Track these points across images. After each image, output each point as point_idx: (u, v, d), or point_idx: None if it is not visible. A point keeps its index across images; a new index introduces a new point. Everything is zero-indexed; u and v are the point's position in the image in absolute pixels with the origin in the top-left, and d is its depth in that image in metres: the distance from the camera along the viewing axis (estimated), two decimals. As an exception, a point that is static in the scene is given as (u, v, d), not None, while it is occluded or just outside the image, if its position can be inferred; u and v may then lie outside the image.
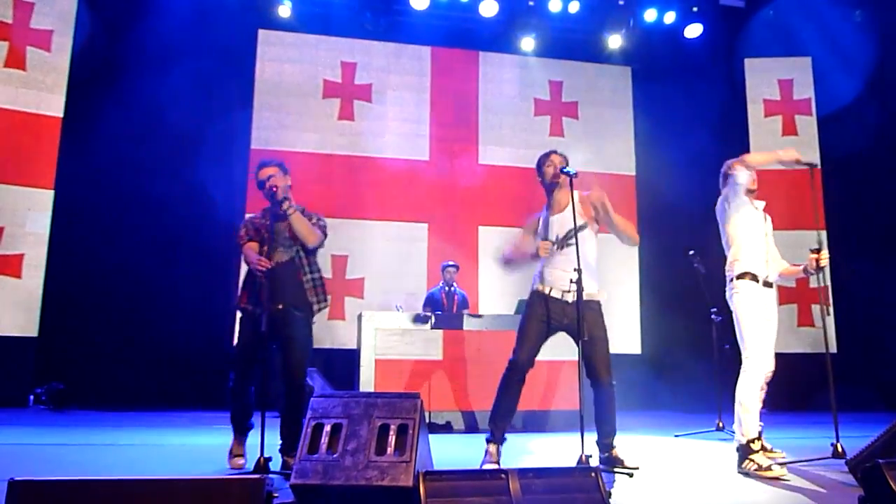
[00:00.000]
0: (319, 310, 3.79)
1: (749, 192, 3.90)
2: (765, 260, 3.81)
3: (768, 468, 3.46)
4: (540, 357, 3.65)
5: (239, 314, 3.73)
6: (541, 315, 3.62)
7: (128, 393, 6.99)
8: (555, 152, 3.78)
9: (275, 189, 3.63)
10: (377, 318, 5.81)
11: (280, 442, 3.60)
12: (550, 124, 8.66)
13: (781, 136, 8.58)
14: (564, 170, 3.57)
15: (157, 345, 7.18)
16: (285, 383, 3.59)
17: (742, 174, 3.81)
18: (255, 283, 3.63)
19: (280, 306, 3.58)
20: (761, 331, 3.70)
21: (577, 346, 3.42)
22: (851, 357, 7.43)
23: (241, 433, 3.75)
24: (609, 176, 8.69)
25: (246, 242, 3.73)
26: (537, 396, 5.72)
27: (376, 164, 8.12)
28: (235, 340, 3.74)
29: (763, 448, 3.68)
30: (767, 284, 3.81)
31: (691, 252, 5.79)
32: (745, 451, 3.59)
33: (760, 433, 3.68)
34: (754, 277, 3.74)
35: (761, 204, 3.96)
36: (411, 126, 8.31)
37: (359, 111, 8.19)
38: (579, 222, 3.61)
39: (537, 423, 5.74)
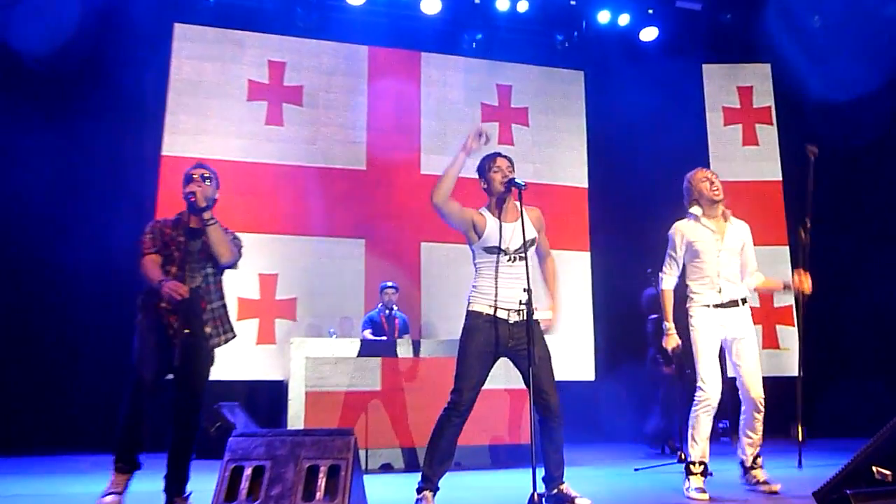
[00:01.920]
0: (219, 344, 3.65)
1: (711, 202, 4.17)
2: (716, 285, 4.11)
3: (699, 493, 3.91)
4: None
5: (139, 324, 3.53)
6: (488, 342, 3.58)
7: (19, 435, 6.71)
8: (500, 155, 3.79)
9: (192, 198, 3.54)
10: (308, 345, 5.71)
11: (164, 482, 3.48)
12: (499, 131, 8.66)
13: (742, 145, 8.81)
14: (515, 182, 3.60)
15: (53, 379, 6.91)
16: (179, 418, 3.49)
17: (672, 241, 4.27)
18: (157, 306, 3.49)
19: (186, 330, 3.45)
20: (710, 359, 4.00)
21: (528, 372, 3.40)
22: (818, 381, 7.53)
23: (126, 463, 3.45)
24: (560, 188, 8.77)
25: (150, 253, 3.59)
26: (478, 430, 5.70)
27: (308, 173, 8.02)
28: (135, 348, 3.50)
29: (765, 482, 4.04)
30: (729, 304, 4.11)
31: (649, 271, 5.86)
32: (686, 471, 4.05)
33: (756, 459, 4.08)
34: (705, 304, 4.10)
35: (727, 213, 4.24)
36: (346, 132, 8.22)
37: (288, 115, 8.08)
38: (529, 236, 3.65)
39: (480, 458, 5.72)
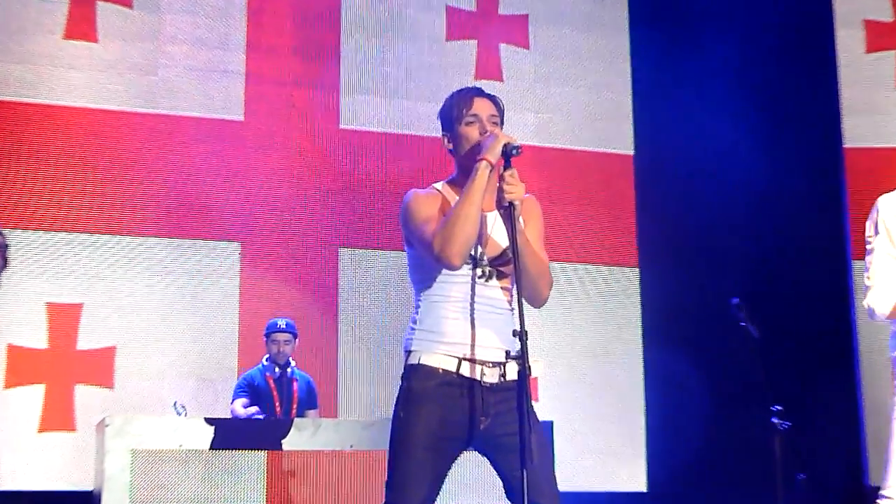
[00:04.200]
0: None
1: None
2: None
3: None
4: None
5: None
6: (449, 421, 3.52)
7: None
8: (479, 93, 3.77)
9: None
10: (136, 429, 5.60)
11: None
12: (478, 57, 8.70)
13: (896, 87, 8.90)
14: (512, 149, 3.51)
15: None
16: None
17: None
18: None
19: None
20: None
21: (522, 474, 3.24)
22: None
23: None
24: (586, 156, 8.85)
25: None
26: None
27: (141, 125, 7.93)
28: None
29: None
30: None
31: (736, 302, 5.90)
32: None
33: None
34: None
35: None
36: (210, 55, 8.18)
37: (107, 25, 7.96)
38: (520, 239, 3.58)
39: None
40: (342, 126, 8.43)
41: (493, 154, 3.50)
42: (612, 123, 9.05)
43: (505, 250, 3.62)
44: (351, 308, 8.23)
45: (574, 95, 9.02)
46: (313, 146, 8.34)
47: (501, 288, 3.67)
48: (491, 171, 3.52)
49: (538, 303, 3.68)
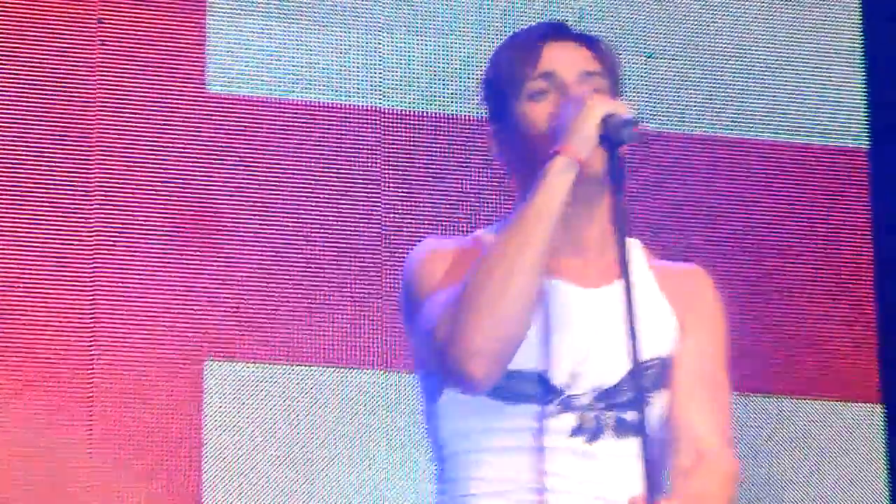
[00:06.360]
0: None
1: None
2: None
3: None
4: None
5: None
6: None
7: None
8: (555, 33, 2.98)
9: None
10: None
11: None
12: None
13: None
14: (614, 122, 2.70)
15: None
16: None
17: None
18: None
19: None
20: None
21: None
22: None
23: None
24: (767, 149, 7.81)
25: None
26: None
27: None
28: None
29: None
30: None
31: None
32: None
33: None
34: None
35: None
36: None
37: None
38: (657, 348, 2.79)
39: None
40: (211, 88, 6.89)
41: (582, 138, 2.64)
42: (821, 90, 7.50)
43: (622, 381, 2.88)
44: (224, 478, 6.74)
45: (744, 38, 7.61)
46: (153, 131, 6.93)
47: (626, 457, 2.72)
48: (579, 174, 2.74)
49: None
